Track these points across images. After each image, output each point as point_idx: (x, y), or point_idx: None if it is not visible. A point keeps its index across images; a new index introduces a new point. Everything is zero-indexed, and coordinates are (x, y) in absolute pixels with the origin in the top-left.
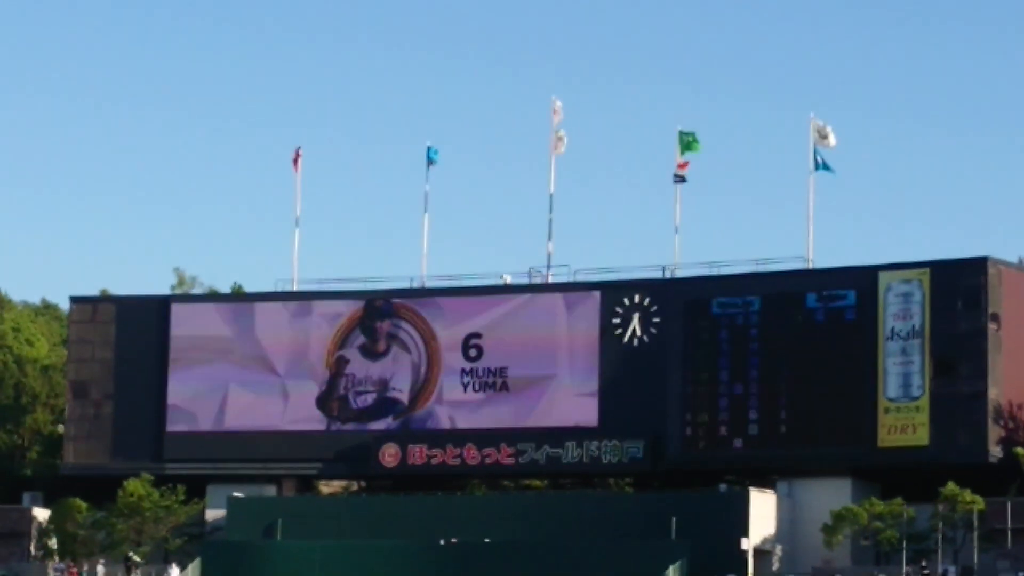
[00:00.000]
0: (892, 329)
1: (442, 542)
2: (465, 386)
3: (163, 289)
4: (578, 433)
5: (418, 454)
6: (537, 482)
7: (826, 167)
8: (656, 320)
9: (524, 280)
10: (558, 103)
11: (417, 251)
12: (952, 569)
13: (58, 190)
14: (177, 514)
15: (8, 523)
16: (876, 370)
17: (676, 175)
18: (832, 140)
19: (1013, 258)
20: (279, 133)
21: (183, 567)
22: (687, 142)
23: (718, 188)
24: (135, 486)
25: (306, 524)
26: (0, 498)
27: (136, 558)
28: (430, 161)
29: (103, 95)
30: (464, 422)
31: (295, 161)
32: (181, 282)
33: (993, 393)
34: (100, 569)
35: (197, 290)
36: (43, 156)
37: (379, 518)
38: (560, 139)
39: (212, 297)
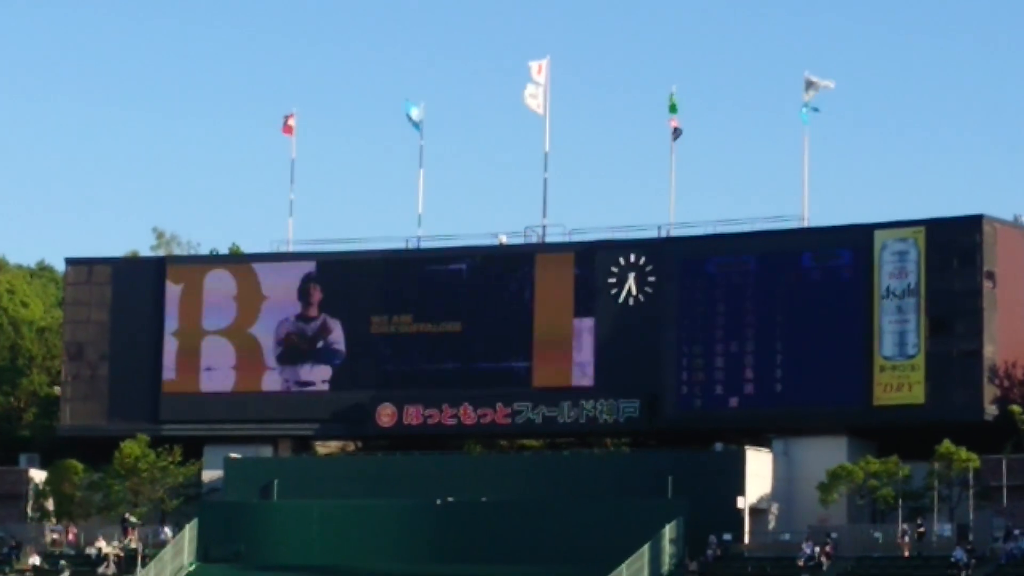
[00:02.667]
0: (887, 287)
1: (438, 501)
2: None
3: (150, 250)
4: (574, 393)
5: (414, 414)
6: (533, 442)
7: (815, 109)
8: (652, 279)
9: (520, 240)
10: (540, 64)
11: (412, 211)
12: (948, 527)
13: (53, 153)
14: (174, 475)
15: (5, 485)
16: (872, 328)
17: (675, 130)
18: (820, 86)
19: (1009, 216)
20: (273, 91)
21: (180, 528)
22: (671, 103)
23: (714, 148)
24: (131, 447)
25: (302, 484)
26: None
27: (133, 519)
28: (410, 118)
29: (96, 57)
30: (459, 382)
31: (288, 128)
32: (161, 240)
33: (988, 351)
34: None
35: (180, 250)
36: (37, 118)
37: (375, 478)
38: (534, 96)
39: (207, 258)
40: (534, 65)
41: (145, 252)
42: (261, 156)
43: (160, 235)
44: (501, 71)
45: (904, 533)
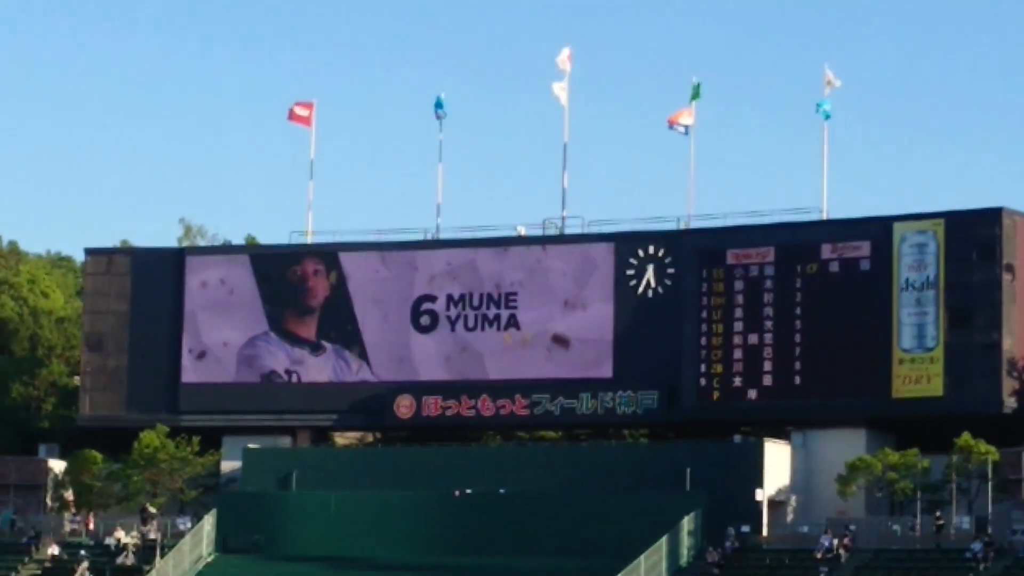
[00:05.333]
0: (906, 280)
1: (456, 493)
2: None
3: (176, 241)
4: (593, 384)
5: (432, 405)
6: (552, 433)
7: (827, 115)
8: (670, 271)
9: (538, 232)
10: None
11: (431, 202)
12: (966, 519)
13: (72, 142)
14: (192, 465)
15: (24, 475)
16: (890, 321)
17: (682, 125)
18: (835, 83)
19: None
20: (293, 82)
21: (198, 518)
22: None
23: (732, 139)
24: (150, 438)
25: (321, 475)
26: (16, 450)
27: (152, 509)
28: (439, 111)
29: (114, 45)
30: (478, 373)
31: (297, 116)
32: (188, 233)
33: (1007, 344)
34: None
35: (205, 241)
36: (57, 109)
37: (393, 469)
38: (563, 88)
39: (226, 249)
40: (561, 58)
41: (168, 244)
42: (280, 148)
43: (188, 228)
44: (521, 64)
45: (922, 526)
